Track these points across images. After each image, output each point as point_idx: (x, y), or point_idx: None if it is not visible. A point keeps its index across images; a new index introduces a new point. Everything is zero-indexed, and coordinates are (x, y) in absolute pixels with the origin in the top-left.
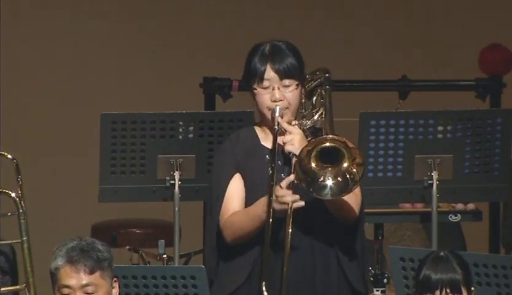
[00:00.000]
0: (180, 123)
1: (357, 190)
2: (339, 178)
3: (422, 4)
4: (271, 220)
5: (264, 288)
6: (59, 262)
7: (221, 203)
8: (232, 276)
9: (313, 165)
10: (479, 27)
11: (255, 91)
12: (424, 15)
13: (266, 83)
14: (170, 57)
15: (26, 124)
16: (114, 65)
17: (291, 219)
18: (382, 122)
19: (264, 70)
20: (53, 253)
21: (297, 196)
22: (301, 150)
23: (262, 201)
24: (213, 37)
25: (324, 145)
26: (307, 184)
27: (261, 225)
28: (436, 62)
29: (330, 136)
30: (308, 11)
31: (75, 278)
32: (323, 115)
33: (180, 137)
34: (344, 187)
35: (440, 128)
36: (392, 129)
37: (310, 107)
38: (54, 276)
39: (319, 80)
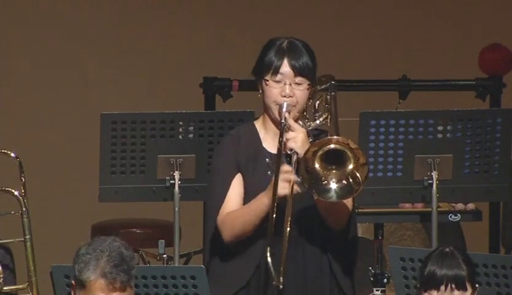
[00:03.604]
0: (180, 123)
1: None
2: (343, 181)
3: (422, 4)
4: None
5: (268, 254)
6: (92, 276)
7: (222, 202)
8: (234, 277)
9: (317, 166)
10: (479, 27)
11: (266, 82)
12: (424, 14)
13: (279, 77)
14: (170, 57)
15: (25, 124)
16: (114, 65)
17: (291, 206)
18: (382, 122)
19: (281, 64)
20: (80, 260)
21: (298, 179)
22: (307, 150)
23: (265, 192)
24: (213, 37)
25: (329, 146)
26: (310, 185)
27: (261, 219)
28: (436, 62)
29: (335, 137)
30: (308, 12)
31: (110, 291)
32: (328, 120)
33: (180, 137)
34: (348, 190)
35: (440, 128)
36: (392, 129)
37: (313, 110)
38: (81, 284)
39: (324, 86)
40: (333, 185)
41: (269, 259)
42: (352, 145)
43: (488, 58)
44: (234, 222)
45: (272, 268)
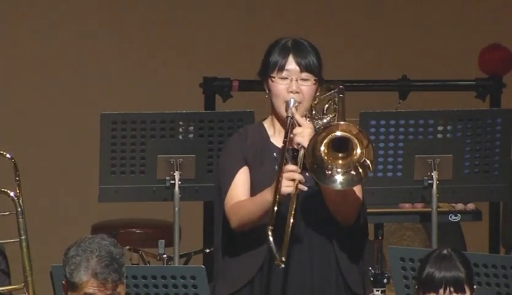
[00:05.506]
0: (180, 123)
1: (358, 193)
2: (349, 169)
3: (422, 4)
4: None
5: (270, 232)
6: (84, 277)
7: (228, 189)
8: (239, 274)
9: (324, 153)
10: (479, 27)
11: (272, 79)
12: (424, 14)
13: (285, 74)
14: (170, 57)
15: (26, 124)
16: (114, 65)
17: (295, 200)
18: (382, 122)
19: (286, 61)
20: (71, 262)
21: (303, 178)
22: (315, 135)
23: (270, 188)
24: (213, 37)
25: (336, 133)
26: (316, 173)
27: (266, 212)
28: (436, 63)
29: (342, 122)
30: (308, 12)
31: (101, 291)
32: (336, 118)
33: (180, 137)
34: (354, 178)
35: (440, 128)
36: (392, 129)
37: (321, 113)
38: (73, 285)
39: (333, 91)
40: (339, 174)
41: (270, 238)
42: (354, 131)
43: (488, 58)
44: (240, 211)
45: (274, 248)
